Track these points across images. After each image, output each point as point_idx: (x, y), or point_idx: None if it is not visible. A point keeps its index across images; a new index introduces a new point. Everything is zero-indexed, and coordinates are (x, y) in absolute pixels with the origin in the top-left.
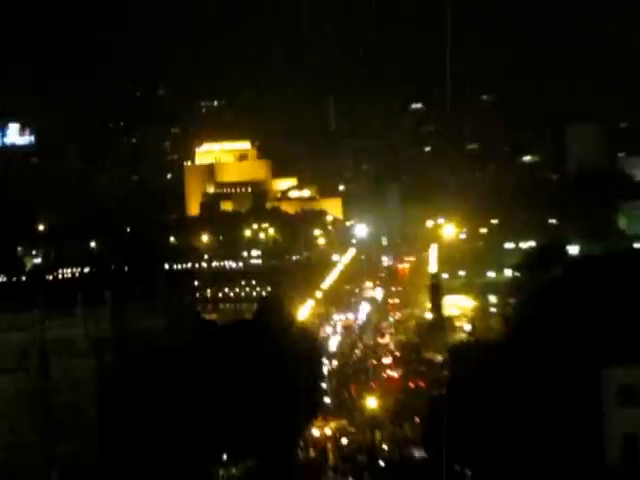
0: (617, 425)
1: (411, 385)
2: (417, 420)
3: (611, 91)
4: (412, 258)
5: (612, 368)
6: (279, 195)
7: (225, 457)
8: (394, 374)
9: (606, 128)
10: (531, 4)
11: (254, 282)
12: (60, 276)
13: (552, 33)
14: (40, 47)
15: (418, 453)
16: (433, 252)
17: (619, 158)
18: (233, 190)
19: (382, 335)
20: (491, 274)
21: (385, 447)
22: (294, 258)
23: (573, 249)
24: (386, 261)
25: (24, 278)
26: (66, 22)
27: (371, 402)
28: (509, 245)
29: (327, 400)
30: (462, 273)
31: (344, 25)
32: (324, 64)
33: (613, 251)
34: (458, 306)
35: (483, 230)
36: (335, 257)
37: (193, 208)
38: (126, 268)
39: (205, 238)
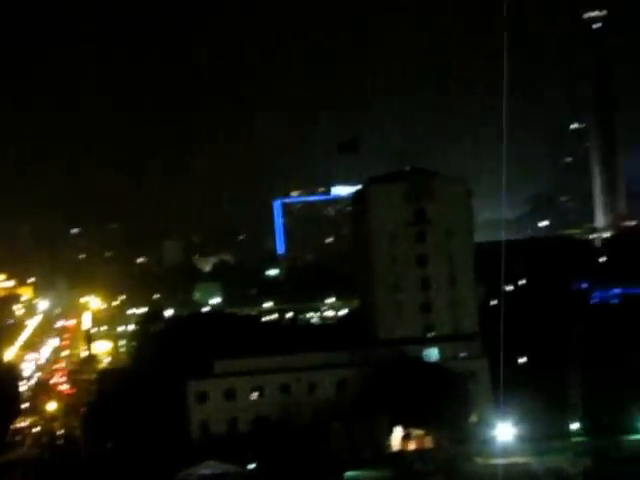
0: (196, 415)
1: (75, 394)
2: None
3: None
4: (75, 320)
5: (192, 380)
6: None
7: None
8: (66, 387)
9: (184, 241)
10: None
11: None
12: None
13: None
14: None
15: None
16: (87, 316)
17: (193, 258)
18: None
19: (58, 364)
20: (121, 328)
21: (61, 431)
22: (5, 322)
23: (169, 312)
24: (60, 322)
25: None
26: None
27: (52, 405)
28: (131, 311)
29: (25, 405)
30: (104, 327)
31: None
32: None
33: (192, 312)
34: (102, 348)
35: (116, 302)
36: (28, 322)
37: None
38: None
39: None
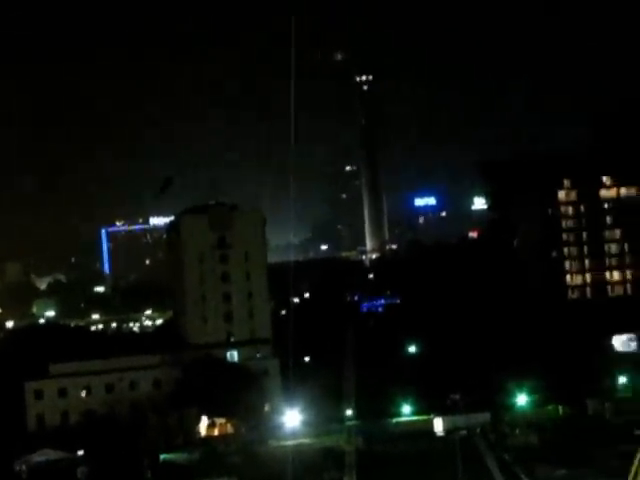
0: (33, 410)
1: None
2: None
3: None
4: None
5: (29, 381)
6: None
7: None
8: None
9: (23, 263)
10: None
11: None
12: None
13: None
14: None
15: None
16: None
17: (31, 278)
18: None
19: None
20: None
21: None
22: None
23: (10, 324)
24: None
25: None
26: None
27: None
28: None
29: None
30: None
31: None
32: None
33: (29, 324)
34: None
35: None
36: None
37: None
38: None
39: None
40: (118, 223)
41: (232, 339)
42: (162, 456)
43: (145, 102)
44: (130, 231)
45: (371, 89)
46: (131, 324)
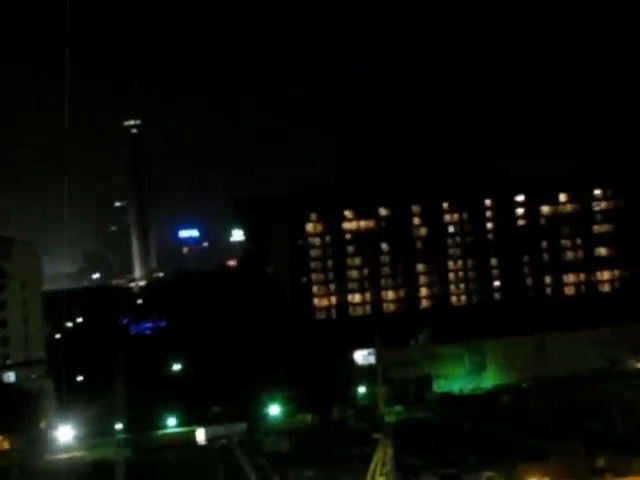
0: None
1: None
2: None
3: None
4: None
5: None
6: None
7: None
8: None
9: None
10: None
11: None
12: None
13: None
14: None
15: None
16: None
17: None
18: None
19: None
20: None
21: None
22: None
23: None
24: None
25: None
26: None
27: None
28: None
29: None
30: None
31: None
32: None
33: None
34: None
35: None
36: None
37: None
38: None
39: None
40: None
41: (8, 361)
42: None
43: None
44: None
45: (139, 131)
46: None
